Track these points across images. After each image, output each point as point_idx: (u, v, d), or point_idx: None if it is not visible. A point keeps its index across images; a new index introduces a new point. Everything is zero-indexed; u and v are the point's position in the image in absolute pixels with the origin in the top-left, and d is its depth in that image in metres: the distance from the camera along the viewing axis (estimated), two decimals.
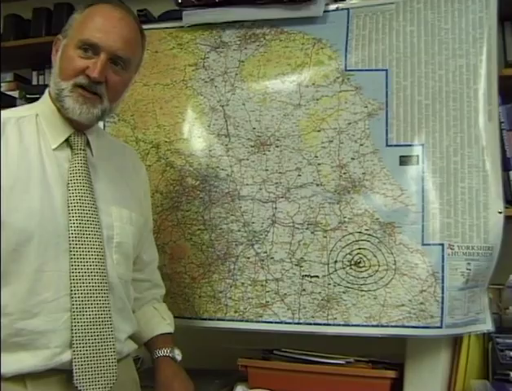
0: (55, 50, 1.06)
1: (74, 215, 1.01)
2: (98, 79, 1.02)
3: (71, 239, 1.01)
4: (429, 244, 1.29)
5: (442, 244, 1.28)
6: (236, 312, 1.38)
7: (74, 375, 0.98)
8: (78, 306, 0.99)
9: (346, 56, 1.39)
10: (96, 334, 1.00)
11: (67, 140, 1.05)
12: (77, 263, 1.00)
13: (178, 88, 1.48)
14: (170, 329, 1.22)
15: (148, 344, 1.20)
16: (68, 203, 1.01)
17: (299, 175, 1.38)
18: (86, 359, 0.99)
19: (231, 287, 1.38)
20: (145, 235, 1.21)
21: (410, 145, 1.33)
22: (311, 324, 1.34)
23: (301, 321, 1.34)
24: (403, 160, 1.32)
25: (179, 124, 1.47)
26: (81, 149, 1.06)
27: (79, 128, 1.07)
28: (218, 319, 1.38)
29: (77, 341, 0.99)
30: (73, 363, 0.98)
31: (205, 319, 1.39)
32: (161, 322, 1.22)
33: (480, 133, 1.30)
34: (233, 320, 1.38)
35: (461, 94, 1.32)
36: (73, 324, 0.99)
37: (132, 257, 1.13)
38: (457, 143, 1.31)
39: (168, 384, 1.16)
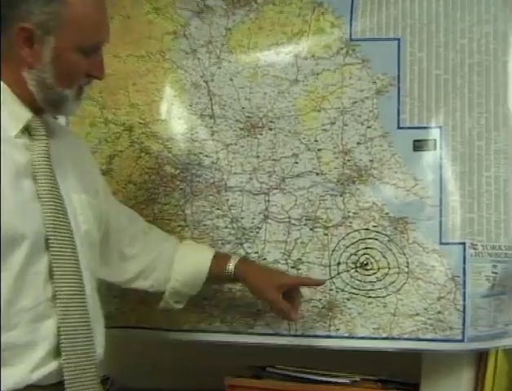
0: (21, 40, 1.00)
1: (47, 209, 1.00)
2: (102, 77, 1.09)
3: (49, 235, 1.00)
4: (448, 243, 1.25)
5: (463, 243, 1.24)
6: (222, 322, 1.34)
7: (66, 386, 0.99)
8: (63, 310, 1.00)
9: (351, 23, 1.34)
10: (81, 339, 1.01)
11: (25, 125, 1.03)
12: (57, 262, 1.00)
13: (155, 60, 1.42)
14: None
15: (211, 273, 1.24)
16: (38, 196, 0.99)
17: (296, 163, 1.33)
18: (76, 368, 1.00)
19: (216, 293, 1.34)
20: (111, 203, 1.22)
21: (426, 127, 1.29)
22: (310, 336, 1.30)
23: (298, 333, 1.31)
24: (418, 145, 1.28)
25: (156, 103, 1.42)
26: (43, 135, 1.04)
27: (37, 111, 1.05)
28: (202, 331, 1.35)
29: (67, 348, 1.00)
30: (65, 374, 0.99)
31: (185, 331, 1.35)
32: (203, 248, 1.28)
33: (509, 113, 1.26)
34: (219, 332, 1.34)
35: (486, 66, 1.28)
36: (62, 330, 0.99)
37: (98, 247, 1.13)
38: (482, 125, 1.27)
39: (265, 275, 1.23)
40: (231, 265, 1.23)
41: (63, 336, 0.99)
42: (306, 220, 1.32)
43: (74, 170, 1.10)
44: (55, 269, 1.00)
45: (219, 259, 1.25)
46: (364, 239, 1.29)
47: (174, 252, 1.26)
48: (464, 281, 1.23)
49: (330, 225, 1.31)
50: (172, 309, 1.27)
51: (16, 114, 1.02)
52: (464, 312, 1.22)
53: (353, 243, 1.29)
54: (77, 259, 1.03)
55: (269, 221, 1.33)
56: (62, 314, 0.99)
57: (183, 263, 1.25)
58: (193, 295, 1.25)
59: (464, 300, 1.22)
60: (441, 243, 1.25)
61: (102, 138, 1.42)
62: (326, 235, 1.31)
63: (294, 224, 1.32)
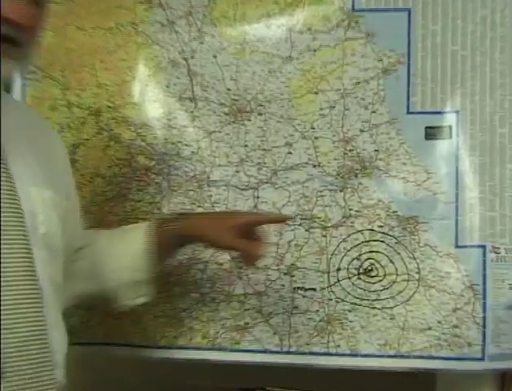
0: None
1: None
2: (28, 23, 0.93)
3: None
4: (465, 246, 1.22)
5: (483, 246, 1.21)
6: (204, 338, 1.29)
7: None
8: (9, 322, 0.90)
9: None
10: (32, 360, 0.92)
11: None
12: (4, 266, 0.91)
13: (126, 34, 1.36)
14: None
15: (155, 243, 1.15)
16: None
17: (289, 153, 1.29)
18: None
19: (197, 303, 1.29)
20: (72, 220, 1.12)
21: (440, 112, 1.25)
22: (305, 354, 1.26)
23: (292, 349, 1.26)
24: (431, 133, 1.25)
25: (127, 83, 1.35)
26: None
27: None
28: (181, 348, 1.29)
29: (11, 369, 0.90)
30: None
31: (162, 348, 1.29)
32: (134, 226, 1.21)
33: None
34: (200, 349, 1.29)
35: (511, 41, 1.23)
36: (2, 346, 0.89)
37: (61, 253, 1.04)
38: (505, 109, 1.22)
39: (217, 220, 1.16)
40: (172, 224, 1.14)
41: (5, 355, 0.90)
42: (301, 219, 1.28)
43: (37, 160, 1.01)
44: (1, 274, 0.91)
45: (158, 223, 1.16)
46: (367, 242, 1.26)
47: (109, 245, 1.17)
48: (484, 290, 1.20)
49: (329, 225, 1.27)
50: (137, 305, 1.18)
51: None
52: (484, 326, 1.19)
53: (355, 246, 1.26)
54: (31, 265, 0.94)
55: None
56: (6, 327, 0.90)
57: (117, 250, 1.15)
58: (144, 278, 1.15)
59: (484, 312, 1.19)
60: (457, 247, 1.22)
61: (64, 123, 1.35)
62: (324, 236, 1.27)
63: (287, 224, 1.27)
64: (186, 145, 1.32)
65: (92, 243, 1.18)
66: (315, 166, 1.28)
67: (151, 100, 1.34)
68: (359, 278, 1.25)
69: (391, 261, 1.23)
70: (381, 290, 1.23)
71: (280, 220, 1.20)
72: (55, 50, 1.35)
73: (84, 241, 1.18)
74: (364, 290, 1.24)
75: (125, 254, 1.15)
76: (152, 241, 1.14)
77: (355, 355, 1.24)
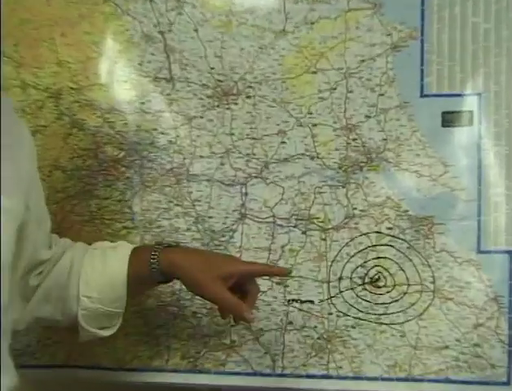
0: None
1: None
2: None
3: None
4: (489, 252, 1.17)
5: (509, 252, 1.16)
6: (183, 358, 1.24)
7: None
8: None
9: None
10: None
11: None
12: None
13: (92, 3, 1.28)
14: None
15: (133, 275, 1.08)
16: None
17: (283, 142, 1.24)
18: None
19: (175, 318, 1.24)
20: (33, 230, 1.03)
21: (459, 95, 1.19)
22: (301, 377, 1.21)
23: (286, 372, 1.22)
24: (448, 119, 1.19)
25: (93, 60, 1.28)
26: None
27: None
28: (156, 370, 1.25)
29: None
30: None
31: (134, 370, 1.24)
32: (116, 246, 1.14)
33: None
34: (179, 371, 1.25)
35: None
36: None
37: (9, 269, 0.96)
38: None
39: (203, 263, 1.07)
40: (154, 257, 1.06)
41: None
42: (296, 220, 1.22)
43: None
44: None
45: (140, 253, 1.08)
46: (374, 246, 1.20)
47: (81, 263, 1.09)
48: (510, 303, 1.15)
49: (329, 226, 1.21)
50: (98, 338, 1.10)
51: None
52: (510, 345, 1.14)
53: (360, 252, 1.21)
54: None
55: (247, 221, 1.23)
56: None
57: (93, 274, 1.08)
58: (119, 312, 1.09)
59: (510, 328, 1.14)
60: (479, 252, 1.17)
61: (18, 107, 1.27)
62: (324, 240, 1.21)
63: (281, 225, 1.22)
64: (162, 133, 1.25)
65: (63, 259, 1.10)
66: (313, 158, 1.22)
67: (121, 80, 1.26)
68: (365, 289, 1.20)
69: (402, 269, 1.18)
70: (390, 303, 1.19)
71: (281, 274, 1.14)
72: (7, 21, 1.27)
73: (51, 254, 1.10)
74: (370, 302, 1.19)
75: (101, 282, 1.07)
76: (134, 273, 1.07)
77: (360, 378, 1.19)
